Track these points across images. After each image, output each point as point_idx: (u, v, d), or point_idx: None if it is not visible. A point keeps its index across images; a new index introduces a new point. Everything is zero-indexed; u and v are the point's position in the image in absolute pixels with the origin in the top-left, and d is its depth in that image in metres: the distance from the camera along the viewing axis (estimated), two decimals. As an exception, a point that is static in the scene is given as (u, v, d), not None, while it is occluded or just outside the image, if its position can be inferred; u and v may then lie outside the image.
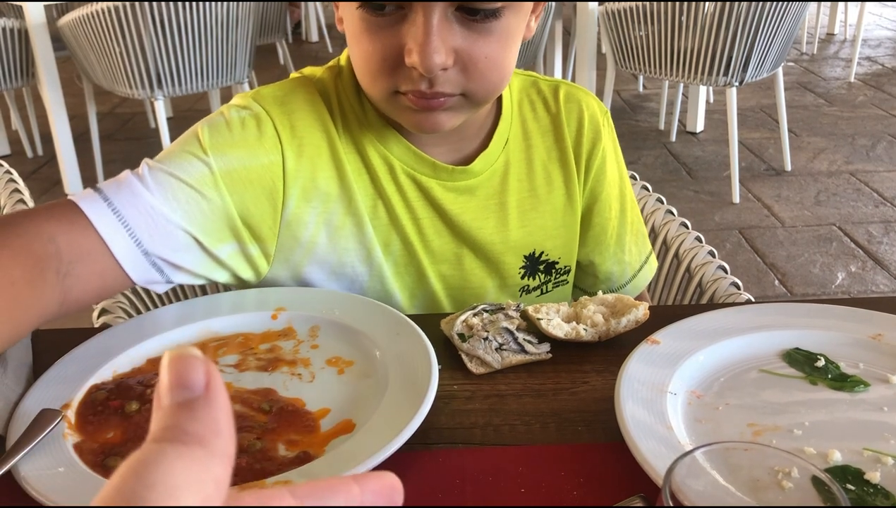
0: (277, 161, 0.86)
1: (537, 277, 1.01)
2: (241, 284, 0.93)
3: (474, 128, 0.95)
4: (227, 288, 1.00)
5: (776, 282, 2.87)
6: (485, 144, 0.95)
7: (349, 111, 0.90)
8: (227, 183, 0.83)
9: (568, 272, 1.04)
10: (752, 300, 1.07)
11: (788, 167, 3.85)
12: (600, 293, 0.88)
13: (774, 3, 3.08)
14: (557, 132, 0.98)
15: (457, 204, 0.93)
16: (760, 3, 3.07)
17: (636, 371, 0.74)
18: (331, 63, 0.94)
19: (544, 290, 1.03)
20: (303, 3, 7.06)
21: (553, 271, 1.01)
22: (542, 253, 0.99)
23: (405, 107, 0.81)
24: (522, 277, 1.00)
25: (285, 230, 0.88)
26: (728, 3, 3.09)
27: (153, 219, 0.78)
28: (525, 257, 0.99)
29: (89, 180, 3.87)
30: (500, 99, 0.97)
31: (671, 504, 0.45)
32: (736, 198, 3.52)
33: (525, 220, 0.97)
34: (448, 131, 0.87)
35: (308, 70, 0.94)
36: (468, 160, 0.94)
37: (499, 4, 0.76)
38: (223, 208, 0.83)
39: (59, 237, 0.73)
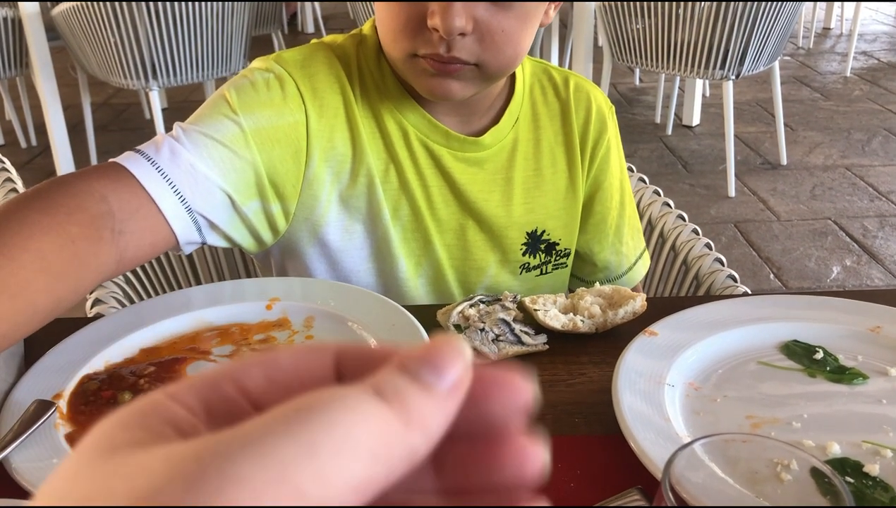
0: (302, 120, 0.88)
1: (538, 256, 1.03)
2: (258, 246, 0.93)
3: (487, 103, 0.97)
4: (233, 264, 0.98)
5: (771, 276, 2.87)
6: (496, 120, 0.98)
7: (368, 77, 0.93)
8: (257, 141, 0.85)
9: (567, 255, 1.06)
10: (749, 293, 1.06)
11: (784, 161, 3.84)
12: (597, 284, 0.88)
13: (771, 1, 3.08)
14: (565, 118, 1.01)
15: (466, 174, 0.96)
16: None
17: (634, 362, 0.73)
18: (353, 31, 0.97)
19: (544, 271, 1.04)
20: (298, -5, 7.04)
21: (553, 252, 1.04)
22: (544, 231, 1.02)
23: (421, 71, 0.85)
24: (524, 254, 1.02)
25: (307, 189, 0.91)
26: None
27: (194, 177, 0.80)
28: (527, 234, 1.01)
29: (83, 171, 3.85)
30: (513, 79, 1.00)
31: (671, 497, 0.44)
32: (731, 192, 3.51)
33: (529, 198, 1.00)
34: (460, 101, 0.91)
35: (329, 37, 0.97)
36: (479, 134, 0.97)
37: None
38: (253, 166, 0.85)
39: (111, 196, 0.74)
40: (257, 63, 0.91)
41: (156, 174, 0.78)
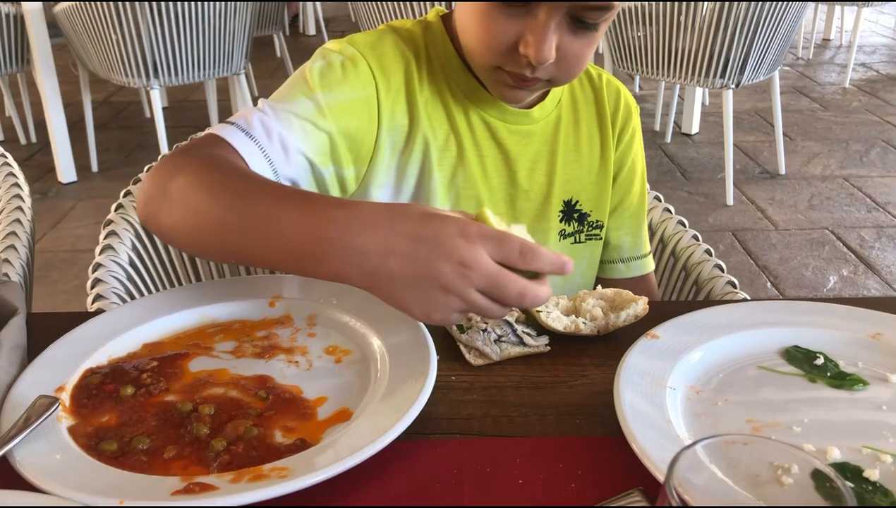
0: (373, 94, 0.98)
1: (572, 224, 1.12)
2: None
3: None
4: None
5: (768, 285, 2.87)
6: (541, 99, 1.08)
7: (434, 59, 1.03)
8: (333, 114, 0.95)
9: (600, 227, 1.14)
10: (748, 299, 1.07)
11: (783, 170, 3.86)
12: (599, 287, 0.88)
13: (772, 3, 3.09)
14: (599, 104, 1.12)
15: (518, 145, 1.06)
16: (758, 6, 3.07)
17: (635, 365, 0.74)
18: (419, 19, 1.08)
19: (578, 239, 1.13)
20: (300, -4, 7.05)
21: (585, 223, 1.13)
22: (577, 201, 1.11)
23: (500, 81, 0.95)
24: (560, 221, 1.11)
25: (376, 154, 1.00)
26: (726, 5, 3.09)
27: (282, 145, 0.90)
28: (564, 202, 1.11)
29: (83, 169, 3.86)
30: None
31: (675, 495, 0.44)
32: (730, 201, 3.52)
33: (567, 169, 1.10)
34: None
35: (397, 22, 1.06)
36: (528, 109, 1.06)
37: (602, 22, 0.90)
38: (329, 135, 0.95)
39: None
40: (332, 45, 1.01)
41: (249, 141, 0.88)
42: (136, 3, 3.09)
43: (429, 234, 0.67)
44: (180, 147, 0.88)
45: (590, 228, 1.13)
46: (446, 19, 1.05)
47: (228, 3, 3.28)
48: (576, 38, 0.89)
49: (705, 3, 3.16)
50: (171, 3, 3.13)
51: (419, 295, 0.67)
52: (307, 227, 0.72)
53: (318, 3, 7.02)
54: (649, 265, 1.19)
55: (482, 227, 0.68)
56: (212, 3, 3.23)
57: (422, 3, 3.08)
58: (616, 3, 0.87)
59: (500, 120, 1.04)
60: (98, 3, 3.14)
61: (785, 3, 3.12)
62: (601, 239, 1.14)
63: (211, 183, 0.79)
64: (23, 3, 3.44)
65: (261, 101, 0.95)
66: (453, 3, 1.03)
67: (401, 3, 3.14)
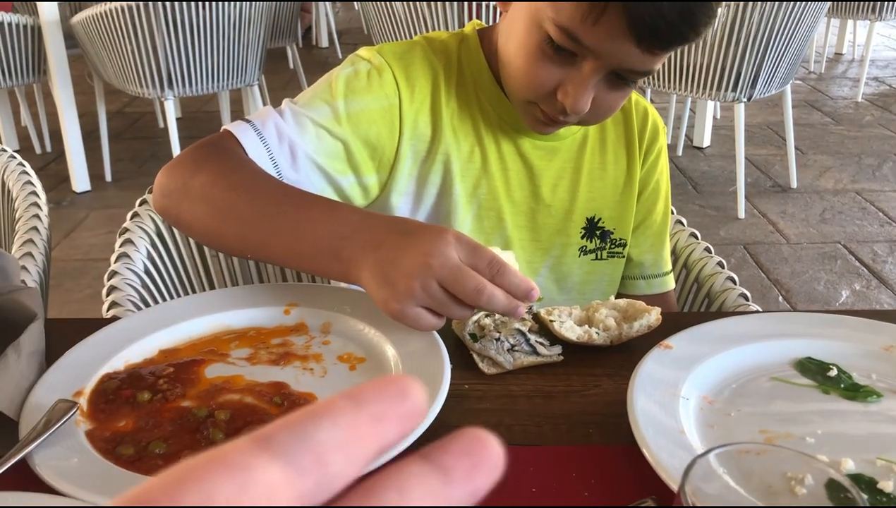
0: (395, 104, 1.00)
1: (594, 241, 1.13)
2: None
3: None
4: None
5: (780, 299, 2.86)
6: None
7: (466, 71, 1.04)
8: (352, 122, 0.97)
9: (623, 246, 1.15)
10: (760, 311, 1.07)
11: (794, 184, 3.85)
12: (612, 298, 0.89)
13: (784, 17, 3.09)
14: (627, 124, 1.13)
15: (542, 161, 1.08)
16: (770, 20, 3.07)
17: (649, 374, 0.74)
18: (455, 31, 1.09)
19: (599, 256, 1.14)
20: (314, 8, 7.09)
21: (608, 240, 1.14)
22: (600, 219, 1.13)
23: (532, 114, 0.96)
24: (582, 237, 1.13)
25: (397, 163, 1.02)
26: (738, 20, 3.10)
27: (290, 150, 0.93)
28: (587, 219, 1.12)
29: (97, 178, 3.89)
30: None
31: (689, 500, 0.45)
32: (741, 214, 3.52)
33: (592, 187, 1.11)
34: None
35: (433, 33, 1.09)
36: None
37: (640, 79, 0.92)
38: (346, 145, 0.97)
39: None
40: (363, 52, 1.03)
41: (258, 141, 0.91)
42: (153, 15, 3.12)
43: (413, 230, 0.76)
44: (198, 144, 0.92)
45: (612, 246, 1.14)
46: (482, 33, 1.06)
47: (243, 12, 3.31)
48: (610, 92, 0.92)
49: (717, 18, 3.16)
50: (185, 14, 3.16)
51: (386, 281, 0.74)
52: (327, 227, 0.79)
53: (331, 16, 7.07)
54: (670, 283, 1.20)
55: (462, 234, 0.74)
56: (227, 14, 3.26)
57: (435, 16, 3.09)
58: (656, 67, 0.89)
59: (526, 135, 1.06)
60: (114, 16, 3.17)
61: (797, 16, 3.12)
62: (623, 257, 1.15)
63: (234, 182, 0.85)
64: (40, 15, 3.47)
65: (284, 102, 0.98)
66: (493, 17, 1.06)
67: (412, 15, 3.15)
